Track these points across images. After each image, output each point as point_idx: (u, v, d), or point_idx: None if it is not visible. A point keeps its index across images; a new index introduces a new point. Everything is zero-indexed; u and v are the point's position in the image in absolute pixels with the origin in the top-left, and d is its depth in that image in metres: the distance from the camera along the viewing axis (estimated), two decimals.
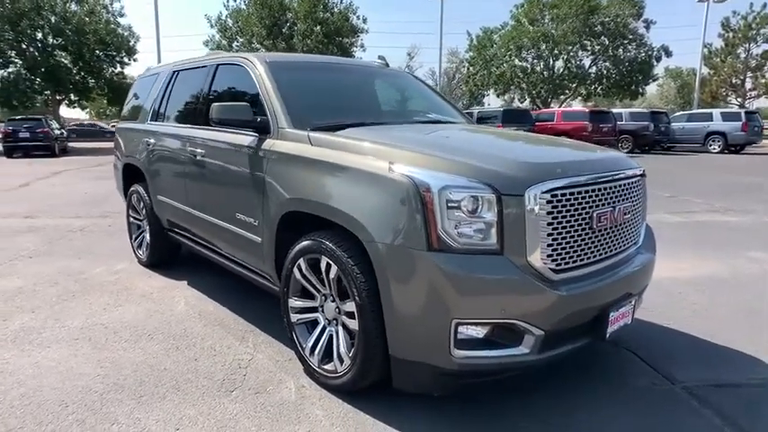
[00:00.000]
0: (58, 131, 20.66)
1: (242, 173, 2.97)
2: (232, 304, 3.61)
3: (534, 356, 2.06)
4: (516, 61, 37.37)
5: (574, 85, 36.78)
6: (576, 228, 2.12)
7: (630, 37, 34.11)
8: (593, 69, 36.33)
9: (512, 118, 20.65)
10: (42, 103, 29.25)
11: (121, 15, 30.43)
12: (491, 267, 1.98)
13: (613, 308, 2.27)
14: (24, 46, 25.52)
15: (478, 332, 2.03)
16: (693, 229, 6.33)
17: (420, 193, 1.98)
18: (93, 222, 6.54)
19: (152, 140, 4.16)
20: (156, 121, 4.29)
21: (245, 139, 2.95)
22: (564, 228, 2.08)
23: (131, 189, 4.66)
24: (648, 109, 28.28)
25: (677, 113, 27.38)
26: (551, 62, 37.25)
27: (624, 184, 2.37)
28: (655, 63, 35.06)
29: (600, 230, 2.22)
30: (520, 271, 1.99)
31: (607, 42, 34.44)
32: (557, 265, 2.08)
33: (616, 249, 2.35)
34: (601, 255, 2.26)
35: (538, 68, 37.26)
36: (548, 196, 2.02)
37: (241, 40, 32.86)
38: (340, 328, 2.41)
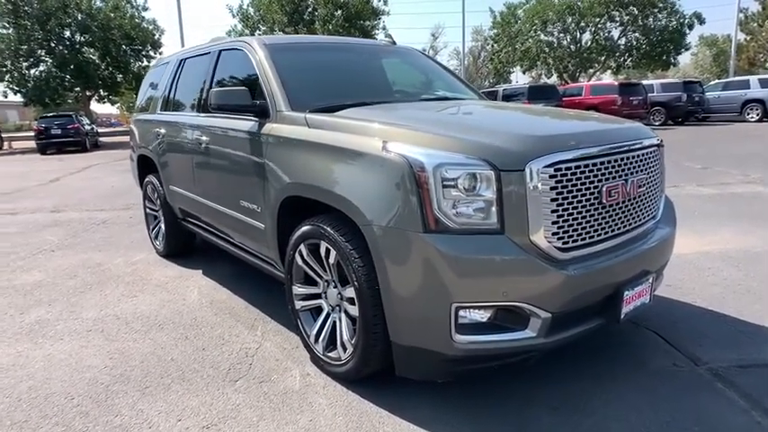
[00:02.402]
0: (88, 127, 21.18)
1: (244, 159, 2.91)
2: (244, 292, 3.59)
3: (541, 340, 1.95)
4: (542, 36, 36.30)
5: (602, 58, 35.46)
6: (584, 203, 1.98)
7: (661, 5, 32.57)
8: (623, 41, 34.94)
9: (538, 94, 20.18)
10: (74, 99, 30.02)
11: (145, 9, 30.81)
12: (491, 248, 1.86)
13: (628, 287, 2.13)
14: (53, 45, 26.15)
15: (481, 316, 1.93)
16: (728, 202, 6.00)
17: (414, 172, 1.88)
18: (116, 215, 6.66)
19: (162, 130, 4.15)
20: (165, 110, 4.28)
21: (246, 124, 2.89)
22: (570, 203, 1.94)
23: (146, 180, 4.69)
24: (681, 79, 27.03)
25: (712, 82, 26.08)
26: (578, 35, 36.03)
27: (637, 156, 2.20)
28: (687, 31, 33.41)
29: (611, 205, 2.07)
30: (522, 251, 1.87)
31: (636, 12, 32.99)
32: (563, 243, 1.95)
33: (630, 225, 2.20)
34: (613, 231, 2.11)
35: (564, 42, 36.13)
36: (551, 170, 1.88)
37: (263, 28, 32.87)
38: (342, 315, 2.34)
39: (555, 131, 2.13)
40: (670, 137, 15.58)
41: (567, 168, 1.92)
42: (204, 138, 3.38)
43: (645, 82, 22.32)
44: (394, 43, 3.87)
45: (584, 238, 2.01)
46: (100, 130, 27.68)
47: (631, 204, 2.18)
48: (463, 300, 1.87)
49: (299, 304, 2.57)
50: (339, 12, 31.99)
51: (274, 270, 2.90)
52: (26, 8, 24.66)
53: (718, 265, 3.81)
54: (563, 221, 1.94)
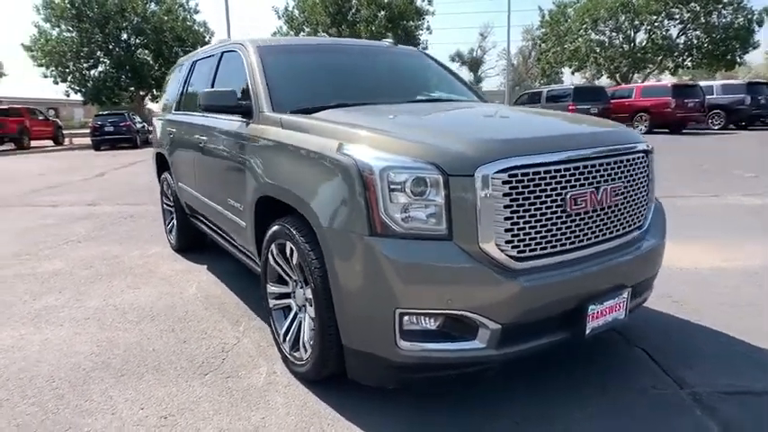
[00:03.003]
0: (139, 125, 22.24)
1: (230, 157, 2.99)
2: (239, 289, 3.67)
3: (492, 352, 1.89)
4: (592, 35, 35.10)
5: (659, 58, 33.83)
6: (545, 211, 1.90)
7: (726, 0, 30.71)
8: (682, 39, 33.20)
9: (584, 96, 19.58)
10: (128, 98, 31.64)
11: (196, 12, 32.14)
12: (436, 254, 1.82)
13: (595, 301, 2.02)
14: (111, 47, 27.67)
15: (429, 323, 1.88)
16: None
17: (362, 174, 1.86)
18: (145, 209, 6.95)
19: (173, 130, 4.31)
20: (177, 110, 4.44)
21: (234, 124, 2.96)
22: (528, 211, 1.87)
23: (162, 177, 4.89)
24: (745, 80, 25.38)
25: None
26: (632, 34, 34.59)
27: (613, 162, 2.09)
28: (756, 28, 31.30)
29: (578, 214, 1.98)
30: (470, 258, 1.82)
31: (698, 8, 31.26)
32: (519, 252, 1.88)
33: (603, 235, 2.09)
34: (581, 241, 2.02)
35: (617, 42, 34.77)
36: (504, 176, 1.82)
37: (307, 29, 33.51)
38: (306, 316, 2.35)
39: (514, 135, 2.05)
40: (727, 143, 14.72)
41: (523, 174, 1.85)
42: (203, 137, 3.48)
43: (703, 83, 21.10)
44: (396, 44, 3.85)
45: (544, 248, 1.93)
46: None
47: (604, 214, 2.08)
48: (407, 306, 1.83)
49: (271, 303, 2.61)
50: (382, 12, 32.16)
51: (257, 267, 2.94)
52: (88, 12, 26.19)
53: (736, 283, 3.56)
54: (518, 230, 1.87)
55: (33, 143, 22.40)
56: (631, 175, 2.19)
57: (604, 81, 36.95)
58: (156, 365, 2.59)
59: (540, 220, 1.90)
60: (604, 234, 2.10)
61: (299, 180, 2.21)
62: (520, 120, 2.63)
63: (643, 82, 30.23)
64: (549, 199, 1.90)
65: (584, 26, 34.73)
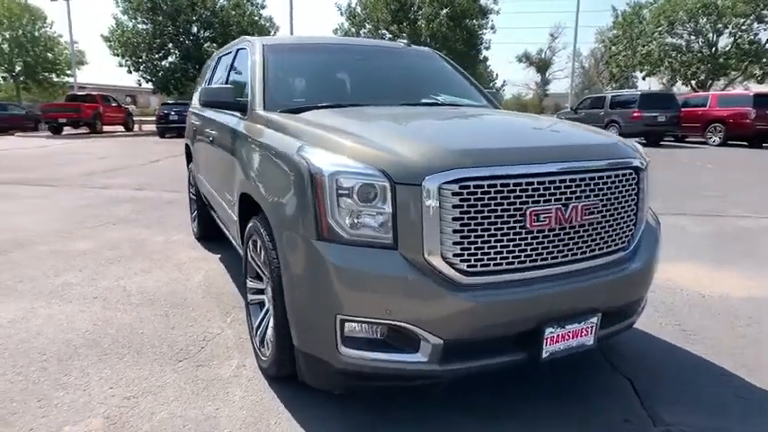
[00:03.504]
0: None
1: (227, 152, 3.07)
2: (241, 280, 3.76)
3: (435, 367, 1.84)
4: (667, 38, 33.12)
5: (744, 64, 31.37)
6: (500, 226, 1.82)
7: None
8: None
9: (651, 103, 18.51)
10: (194, 89, 33.24)
11: (263, 7, 33.16)
12: (378, 263, 1.79)
13: (554, 325, 1.92)
14: (181, 39, 29.12)
15: (371, 332, 1.86)
16: None
17: (313, 177, 1.86)
18: (183, 196, 7.24)
19: (194, 122, 4.50)
20: (198, 104, 4.62)
21: (232, 120, 3.04)
22: (480, 225, 1.80)
23: (189, 167, 5.10)
24: None
25: None
26: (713, 38, 32.34)
27: (590, 178, 1.96)
28: None
29: (540, 231, 1.88)
30: (413, 270, 1.77)
31: None
32: (469, 266, 1.81)
33: (573, 255, 1.97)
34: (543, 260, 1.91)
35: (695, 46, 32.62)
36: (455, 187, 1.76)
37: (368, 26, 33.79)
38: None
39: (473, 145, 1.97)
40: None
41: (476, 186, 1.78)
42: (212, 131, 3.60)
43: None
44: (409, 45, 3.81)
45: (498, 264, 1.85)
46: None
47: (575, 233, 1.96)
48: (347, 313, 1.81)
49: (249, 297, 2.66)
50: (444, 10, 31.85)
51: None
52: (162, 6, 27.71)
53: (763, 315, 3.26)
54: (469, 243, 1.80)
55: (106, 128, 24.00)
56: (613, 193, 2.05)
57: (680, 87, 34.74)
58: (139, 348, 2.71)
59: (495, 235, 1.82)
60: (574, 254, 1.98)
61: (265, 179, 2.24)
62: (496, 128, 2.52)
63: (725, 89, 28.20)
64: (505, 213, 1.82)
65: (660, 28, 32.84)
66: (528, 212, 1.84)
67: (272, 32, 33.94)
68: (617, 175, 2.06)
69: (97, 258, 4.29)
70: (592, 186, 1.98)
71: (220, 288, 3.64)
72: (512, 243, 1.85)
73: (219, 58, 4.43)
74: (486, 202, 1.79)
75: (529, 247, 1.88)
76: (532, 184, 1.85)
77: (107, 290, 3.56)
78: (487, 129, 2.48)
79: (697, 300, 3.52)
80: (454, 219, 1.77)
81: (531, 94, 66.58)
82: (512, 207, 1.83)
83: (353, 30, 33.56)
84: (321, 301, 1.85)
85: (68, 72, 36.39)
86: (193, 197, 5.11)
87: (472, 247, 1.80)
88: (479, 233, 1.80)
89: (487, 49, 36.97)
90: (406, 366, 1.85)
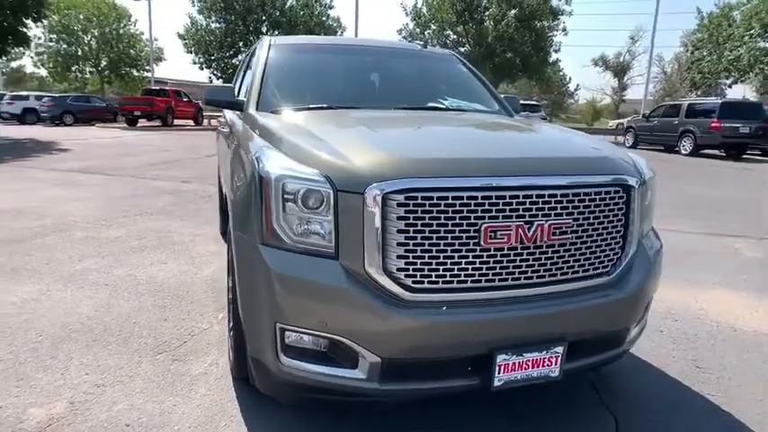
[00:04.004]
0: None
1: (227, 151, 3.11)
2: None
3: (374, 385, 1.75)
4: (760, 42, 30.43)
5: None
6: (450, 241, 1.70)
7: None
8: None
9: (733, 112, 17.08)
10: None
11: (331, 8, 33.85)
12: (317, 272, 1.72)
13: (508, 351, 1.77)
14: (251, 38, 30.31)
15: (312, 343, 1.79)
16: None
17: (262, 181, 1.82)
18: None
19: (220, 120, 4.61)
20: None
21: (234, 119, 3.08)
22: (428, 239, 1.68)
23: (218, 163, 5.26)
24: None
25: None
26: None
27: (562, 195, 1.79)
28: None
29: (498, 249, 1.74)
30: (352, 282, 1.69)
31: None
32: (414, 282, 1.71)
33: (539, 278, 1.81)
34: (502, 280, 1.77)
35: None
36: (400, 198, 1.66)
37: (433, 27, 33.59)
38: None
39: (424, 154, 1.84)
40: None
41: (425, 198, 1.67)
42: (223, 129, 3.68)
43: None
44: (425, 46, 3.70)
45: (448, 282, 1.73)
46: None
47: (541, 253, 1.80)
48: (286, 321, 1.76)
49: (230, 295, 2.67)
50: (513, 11, 31.07)
51: None
52: (235, 5, 28.98)
53: None
54: (415, 258, 1.69)
55: (177, 122, 25.41)
56: (592, 212, 1.86)
57: None
58: (127, 337, 2.80)
59: (445, 251, 1.70)
60: (541, 276, 1.82)
61: (233, 180, 2.24)
62: (470, 137, 2.37)
63: None
64: (457, 228, 1.69)
65: (751, 31, 30.24)
66: (483, 229, 1.71)
67: (339, 33, 34.60)
68: (598, 193, 1.87)
69: (122, 247, 4.51)
70: (564, 204, 1.80)
71: (225, 284, 3.70)
72: (464, 260, 1.72)
73: (246, 57, 4.52)
74: (435, 215, 1.68)
75: (485, 266, 1.75)
76: (490, 198, 1.71)
77: (119, 278, 3.72)
78: (461, 137, 2.33)
79: (727, 333, 3.17)
80: (399, 231, 1.67)
81: (606, 100, 63.51)
82: (464, 222, 1.70)
83: (418, 30, 33.47)
84: (263, 308, 1.81)
85: (147, 68, 38.96)
86: (219, 192, 5.27)
87: (418, 262, 1.70)
88: (427, 248, 1.69)
89: (557, 51, 35.69)
90: (345, 382, 1.77)
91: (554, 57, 36.58)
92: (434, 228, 1.68)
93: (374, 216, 1.66)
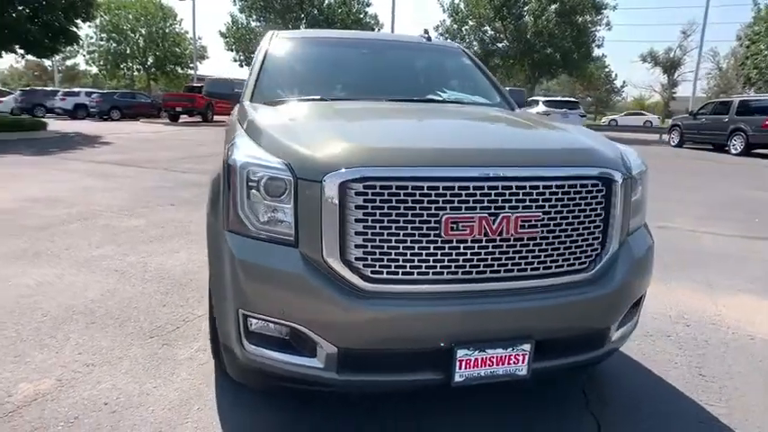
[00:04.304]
0: None
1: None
2: None
3: (332, 375, 1.74)
4: None
5: None
6: (410, 232, 1.66)
7: None
8: None
9: None
10: None
11: (368, 5, 33.93)
12: (277, 260, 1.72)
13: (469, 347, 1.72)
14: None
15: (276, 331, 1.80)
16: None
17: (229, 168, 1.84)
18: None
19: None
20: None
21: (233, 111, 3.12)
22: (387, 229, 1.65)
23: None
24: None
25: None
26: None
27: (531, 186, 1.72)
28: None
29: (461, 241, 1.69)
30: (311, 270, 1.68)
31: None
32: (372, 272, 1.68)
33: (506, 272, 1.76)
34: (466, 273, 1.72)
35: None
36: (359, 186, 1.64)
37: (471, 23, 33.15)
38: None
39: (386, 144, 1.80)
40: None
41: (383, 187, 1.64)
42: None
43: None
44: (429, 39, 3.64)
45: (408, 273, 1.69)
46: None
47: (509, 246, 1.74)
48: (247, 308, 1.77)
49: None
50: (553, 6, 30.26)
51: None
52: (275, 4, 29.50)
53: None
54: (374, 248, 1.67)
55: (217, 118, 26.09)
56: (565, 206, 1.78)
57: None
58: (124, 320, 2.90)
59: (404, 242, 1.67)
60: (509, 270, 1.76)
61: (215, 169, 2.27)
62: (443, 128, 2.32)
63: None
64: (417, 219, 1.66)
65: None
66: (444, 220, 1.66)
67: (376, 30, 34.59)
68: (572, 186, 1.79)
69: (140, 235, 4.67)
70: (534, 196, 1.74)
71: None
72: (424, 252, 1.68)
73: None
74: (394, 204, 1.65)
75: (447, 258, 1.70)
76: (452, 188, 1.66)
77: (130, 264, 3.86)
78: (439, 128, 2.28)
79: (742, 341, 2.98)
80: (357, 220, 1.65)
81: (655, 97, 60.90)
82: (425, 212, 1.66)
83: (455, 27, 33.11)
84: (228, 294, 1.83)
85: (191, 65, 40.20)
86: None
87: (377, 252, 1.67)
88: (386, 238, 1.66)
89: (599, 47, 34.52)
90: (304, 371, 1.77)
91: (597, 52, 35.45)
92: (393, 218, 1.65)
93: (332, 205, 1.64)
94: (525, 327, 1.79)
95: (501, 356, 1.77)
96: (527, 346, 1.78)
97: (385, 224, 1.65)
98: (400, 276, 1.70)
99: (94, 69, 40.70)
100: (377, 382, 1.78)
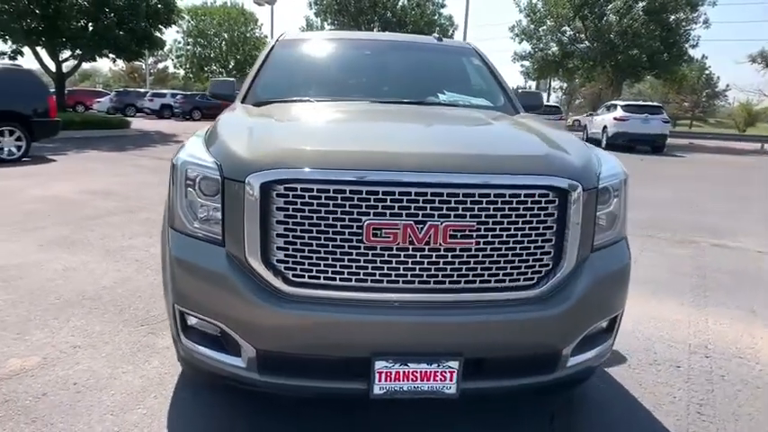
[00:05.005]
0: None
1: None
2: None
3: (254, 375, 1.74)
4: None
5: None
6: (332, 236, 1.62)
7: None
8: None
9: None
10: None
11: (443, 6, 33.75)
12: (204, 258, 1.75)
13: (389, 359, 1.64)
14: None
15: (210, 328, 1.82)
16: None
17: (174, 167, 1.90)
18: None
19: None
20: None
21: None
22: (308, 232, 1.63)
23: None
24: None
25: None
26: None
27: (465, 195, 1.62)
28: None
29: (386, 249, 1.62)
30: (234, 270, 1.69)
31: None
32: (294, 275, 1.66)
33: (439, 283, 1.66)
34: (393, 282, 1.65)
35: None
36: (280, 188, 1.62)
37: (549, 23, 31.90)
38: None
39: (312, 146, 1.74)
40: None
41: (304, 189, 1.61)
42: None
43: None
44: (440, 39, 3.54)
45: (331, 279, 1.66)
46: None
47: (439, 257, 1.65)
48: (180, 304, 1.82)
49: None
50: (641, 3, 28.38)
51: None
52: (349, 7, 30.16)
53: None
54: (295, 250, 1.65)
55: None
56: (507, 217, 1.66)
57: None
58: (124, 308, 3.08)
59: (326, 246, 1.63)
60: (439, 282, 1.67)
61: None
62: (396, 130, 2.24)
63: None
64: (338, 223, 1.61)
65: None
66: (366, 225, 1.61)
67: (451, 31, 34.35)
68: (515, 195, 1.66)
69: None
70: (468, 204, 1.63)
71: None
72: (347, 258, 1.64)
73: None
74: (315, 207, 1.61)
75: (371, 266, 1.64)
76: (376, 193, 1.60)
77: (152, 255, 4.09)
78: (395, 132, 2.20)
79: (748, 371, 2.64)
80: (279, 222, 1.64)
81: (765, 102, 54.85)
82: (347, 217, 1.61)
83: (532, 27, 32.01)
84: (168, 289, 1.89)
85: None
86: None
87: (298, 255, 1.65)
88: (307, 241, 1.63)
89: (694, 47, 31.92)
90: (231, 369, 1.77)
91: (692, 53, 32.78)
92: (315, 221, 1.62)
93: (254, 205, 1.64)
94: (454, 343, 1.68)
95: (426, 372, 1.67)
96: (455, 364, 1.67)
97: (306, 227, 1.63)
98: (322, 281, 1.66)
99: (182, 72, 43.72)
100: (298, 386, 1.75)
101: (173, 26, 19.35)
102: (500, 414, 2.18)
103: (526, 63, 34.81)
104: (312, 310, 1.65)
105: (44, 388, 2.21)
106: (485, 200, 1.64)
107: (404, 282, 1.66)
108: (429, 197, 1.61)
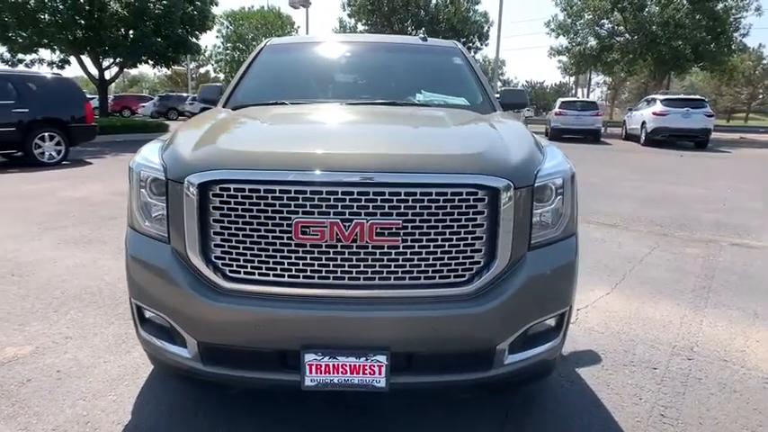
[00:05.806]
0: None
1: None
2: None
3: (199, 365, 1.84)
4: None
5: None
6: (264, 234, 1.70)
7: None
8: None
9: None
10: None
11: (477, 3, 33.38)
12: (152, 255, 1.87)
13: (318, 352, 1.71)
14: None
15: (161, 319, 1.94)
16: None
17: (130, 168, 2.03)
18: None
19: None
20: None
21: None
22: (242, 230, 1.71)
23: None
24: None
25: None
26: None
27: (391, 193, 1.66)
28: None
29: (315, 246, 1.69)
30: (177, 266, 1.80)
31: None
32: (230, 271, 1.76)
33: (368, 279, 1.71)
34: (323, 278, 1.71)
35: None
36: (215, 188, 1.71)
37: (587, 16, 31.02)
38: None
39: (246, 147, 1.83)
40: None
41: (237, 189, 1.70)
42: None
43: None
44: (425, 39, 3.56)
45: (264, 274, 1.74)
46: None
47: (367, 254, 1.70)
48: (135, 298, 1.94)
49: None
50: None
51: None
52: (382, 7, 30.29)
53: None
54: (230, 248, 1.74)
55: None
56: (434, 215, 1.69)
57: None
58: (120, 302, 3.27)
59: (259, 243, 1.72)
60: (369, 278, 1.72)
61: None
62: (333, 130, 2.28)
63: None
64: (270, 222, 1.69)
65: None
66: (294, 224, 1.68)
67: (486, 28, 33.94)
68: (441, 194, 1.69)
69: None
70: (394, 203, 1.67)
71: None
72: (279, 255, 1.71)
73: None
74: (247, 207, 1.70)
75: (301, 262, 1.71)
76: (304, 193, 1.67)
77: None
78: (336, 132, 2.24)
79: (748, 384, 2.52)
80: (215, 220, 1.73)
81: None
82: (277, 216, 1.69)
83: (569, 21, 31.20)
84: (127, 284, 2.02)
85: None
86: None
87: (234, 252, 1.74)
88: (241, 239, 1.72)
89: (745, 35, 30.31)
90: (179, 359, 1.88)
91: (743, 42, 31.12)
92: (248, 219, 1.71)
93: (193, 204, 1.74)
94: (381, 338, 1.73)
95: (355, 365, 1.73)
96: (382, 358, 1.72)
97: (241, 225, 1.71)
98: (257, 277, 1.74)
99: (222, 76, 45.03)
100: (239, 377, 1.84)
101: (209, 32, 20.06)
102: (461, 409, 2.20)
103: (563, 58, 34.02)
104: (247, 305, 1.73)
105: (30, 374, 2.40)
106: (411, 198, 1.67)
107: (334, 278, 1.72)
108: (356, 196, 1.66)
